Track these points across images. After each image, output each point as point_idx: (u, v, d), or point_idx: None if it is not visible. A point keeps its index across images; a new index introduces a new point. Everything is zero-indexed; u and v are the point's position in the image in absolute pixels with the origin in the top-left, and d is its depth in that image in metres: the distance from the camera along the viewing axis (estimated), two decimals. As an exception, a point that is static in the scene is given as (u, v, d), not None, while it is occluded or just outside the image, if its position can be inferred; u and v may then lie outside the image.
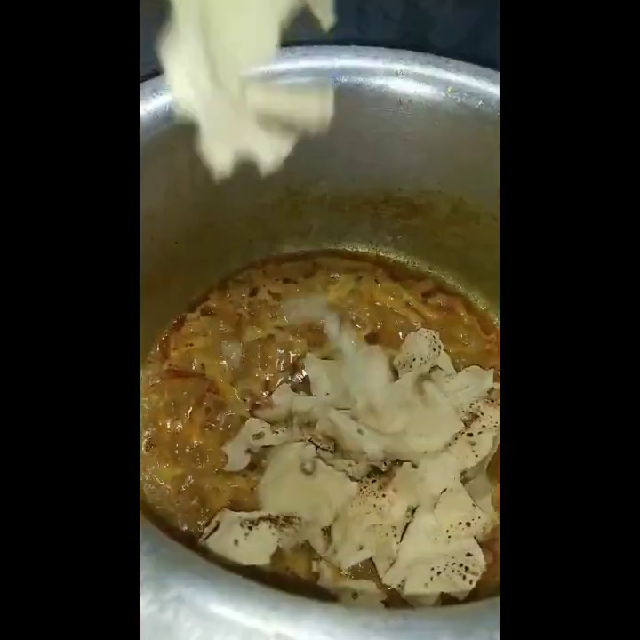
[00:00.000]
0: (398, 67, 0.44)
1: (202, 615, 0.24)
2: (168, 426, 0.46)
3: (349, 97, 0.45)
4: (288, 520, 0.41)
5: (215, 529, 0.41)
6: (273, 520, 0.41)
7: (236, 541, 0.39)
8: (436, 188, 0.50)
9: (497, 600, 0.23)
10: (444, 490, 0.42)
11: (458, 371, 0.49)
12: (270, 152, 0.26)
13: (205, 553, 0.39)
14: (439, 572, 0.40)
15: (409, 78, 0.45)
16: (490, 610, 0.23)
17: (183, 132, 0.43)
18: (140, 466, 0.44)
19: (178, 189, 0.45)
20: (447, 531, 0.41)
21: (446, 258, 0.55)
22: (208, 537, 0.40)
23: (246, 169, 0.47)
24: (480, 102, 0.45)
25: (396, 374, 0.49)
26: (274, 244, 0.55)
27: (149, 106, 0.41)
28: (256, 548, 0.39)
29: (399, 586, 0.40)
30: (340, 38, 0.47)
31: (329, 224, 0.54)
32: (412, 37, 0.53)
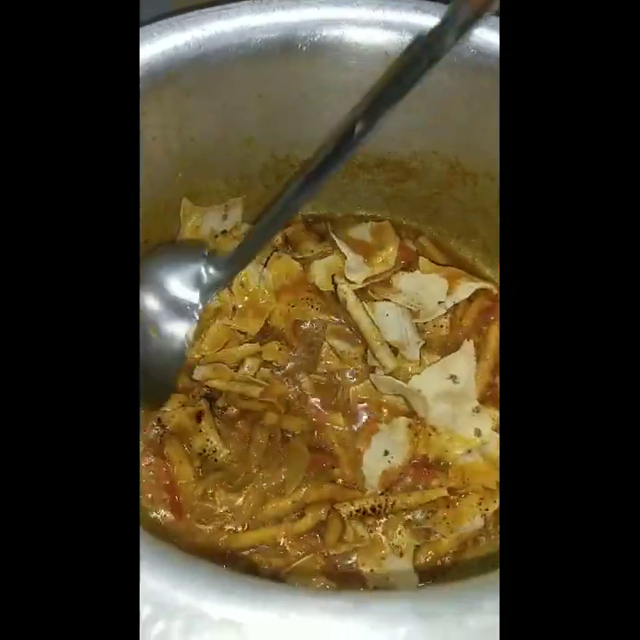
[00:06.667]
0: (383, 15, 0.41)
1: (149, 599, 0.22)
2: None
3: (330, 51, 0.42)
4: None
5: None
6: None
7: None
8: (430, 149, 0.47)
9: (465, 583, 0.21)
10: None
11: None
12: None
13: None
14: None
15: (395, 27, 0.42)
16: (458, 592, 0.21)
17: (155, 94, 0.41)
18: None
19: (153, 157, 0.43)
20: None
21: (444, 222, 0.52)
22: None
23: (227, 136, 0.46)
24: (473, 50, 0.41)
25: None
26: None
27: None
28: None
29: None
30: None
31: (321, 191, 0.51)
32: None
